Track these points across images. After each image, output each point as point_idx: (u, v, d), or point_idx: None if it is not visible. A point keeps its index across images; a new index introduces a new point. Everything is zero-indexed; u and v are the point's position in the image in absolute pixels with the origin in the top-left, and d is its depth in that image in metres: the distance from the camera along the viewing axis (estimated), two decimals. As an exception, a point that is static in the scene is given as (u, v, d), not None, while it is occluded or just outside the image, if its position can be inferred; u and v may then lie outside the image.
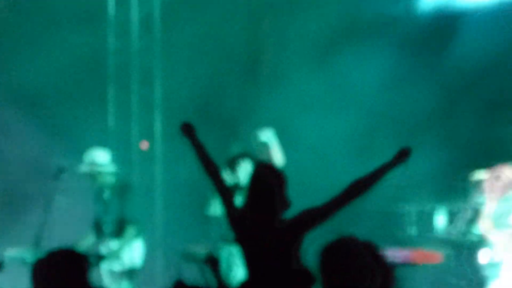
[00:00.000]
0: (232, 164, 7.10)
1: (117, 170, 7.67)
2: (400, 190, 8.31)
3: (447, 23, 9.14)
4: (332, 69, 9.05)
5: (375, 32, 9.08)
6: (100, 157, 7.57)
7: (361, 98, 9.03)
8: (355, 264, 3.39)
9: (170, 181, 9.93)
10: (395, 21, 9.19)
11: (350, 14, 9.21)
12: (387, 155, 4.62)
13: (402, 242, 7.72)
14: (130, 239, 7.47)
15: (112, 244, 7.50)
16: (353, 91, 9.06)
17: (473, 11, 9.14)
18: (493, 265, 7.06)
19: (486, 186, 7.15)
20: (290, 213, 4.57)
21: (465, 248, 7.74)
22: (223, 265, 6.88)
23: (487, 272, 7.16)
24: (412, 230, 8.63)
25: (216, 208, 6.85)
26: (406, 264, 6.51)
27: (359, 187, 4.52)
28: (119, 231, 7.47)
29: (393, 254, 6.30)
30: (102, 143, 8.09)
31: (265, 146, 6.80)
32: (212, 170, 4.73)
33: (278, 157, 6.77)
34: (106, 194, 7.60)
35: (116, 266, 7.43)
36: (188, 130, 4.83)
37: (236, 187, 6.78)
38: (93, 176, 7.55)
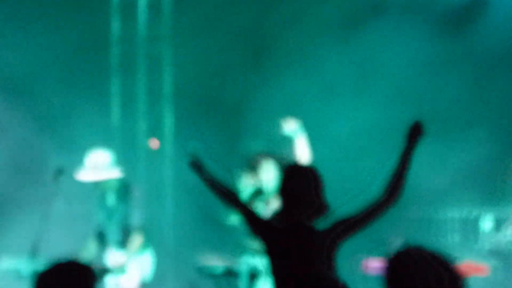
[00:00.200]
0: (252, 165, 6.94)
1: (122, 172, 7.52)
2: (441, 194, 8.25)
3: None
4: (356, 51, 8.99)
5: (404, 8, 8.98)
6: (103, 159, 7.41)
7: (390, 83, 8.91)
8: (425, 275, 3.38)
9: (181, 184, 9.75)
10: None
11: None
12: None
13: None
14: (137, 250, 7.38)
15: (118, 255, 7.40)
16: (380, 75, 8.99)
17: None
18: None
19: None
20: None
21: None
22: (243, 280, 6.78)
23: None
24: (455, 239, 8.44)
25: (235, 215, 6.64)
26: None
27: (392, 188, 4.51)
28: (125, 241, 7.38)
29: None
30: (105, 142, 7.91)
31: (290, 140, 6.54)
32: (229, 199, 4.84)
33: (306, 154, 6.47)
34: (110, 199, 7.51)
35: (122, 280, 7.33)
36: (196, 167, 4.96)
37: (258, 191, 6.77)
38: (95, 184, 7.47)
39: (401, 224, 7.22)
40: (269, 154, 7.00)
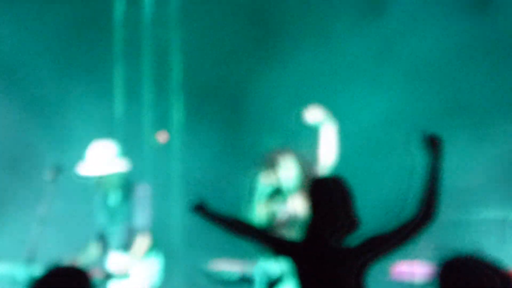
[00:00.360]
0: (269, 162, 6.81)
1: (129, 165, 7.50)
2: (474, 195, 8.28)
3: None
4: (376, 32, 8.91)
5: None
6: (108, 150, 7.34)
7: (415, 68, 8.83)
8: (479, 282, 3.50)
9: (190, 181, 9.74)
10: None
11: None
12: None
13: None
14: (143, 253, 7.32)
15: (121, 260, 7.35)
16: (404, 60, 8.85)
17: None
18: None
19: None
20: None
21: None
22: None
23: None
24: (491, 242, 8.24)
25: (250, 216, 6.72)
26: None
27: (427, 207, 4.58)
28: (128, 244, 7.34)
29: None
30: (107, 136, 7.80)
31: (313, 133, 6.47)
32: (243, 231, 4.91)
33: (333, 148, 6.37)
34: (113, 198, 7.47)
35: (126, 286, 7.26)
36: (200, 209, 5.04)
37: (277, 190, 6.74)
38: (97, 180, 7.39)
39: (433, 226, 6.98)
40: (288, 149, 6.91)
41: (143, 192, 7.39)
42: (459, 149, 6.96)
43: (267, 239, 4.83)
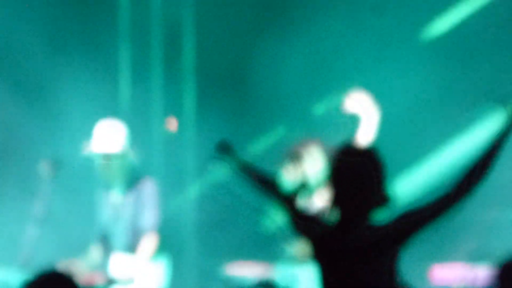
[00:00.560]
0: (293, 155, 6.77)
1: (134, 158, 7.43)
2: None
3: None
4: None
5: None
6: (117, 130, 7.30)
7: (447, 43, 8.72)
8: None
9: (204, 173, 9.69)
10: None
11: None
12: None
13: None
14: (149, 256, 7.25)
15: (125, 263, 7.31)
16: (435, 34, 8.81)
17: None
18: None
19: None
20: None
21: None
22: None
23: None
24: None
25: (272, 216, 6.91)
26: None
27: (475, 173, 4.33)
28: (134, 245, 7.28)
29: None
30: None
31: (351, 122, 6.25)
32: (268, 188, 4.82)
33: (370, 140, 6.17)
34: (117, 193, 7.38)
35: None
36: (225, 150, 4.95)
37: (302, 186, 6.68)
38: (103, 163, 7.25)
39: (473, 225, 7.13)
40: (314, 140, 6.87)
41: (150, 187, 7.37)
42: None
43: (291, 207, 4.72)
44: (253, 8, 9.55)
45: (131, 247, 7.27)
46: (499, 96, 4.73)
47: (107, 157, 7.26)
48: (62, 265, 6.53)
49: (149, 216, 7.27)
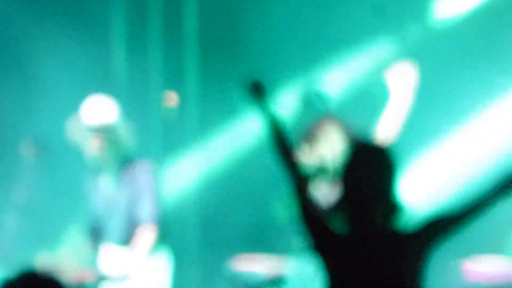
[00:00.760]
0: (310, 136, 6.60)
1: (130, 139, 7.17)
2: None
3: None
4: None
5: None
6: (108, 108, 7.03)
7: None
8: None
9: (210, 159, 9.51)
10: None
11: None
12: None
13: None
14: (147, 250, 6.98)
15: (119, 258, 7.04)
16: None
17: None
18: None
19: None
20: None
21: None
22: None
23: None
24: None
25: (282, 208, 6.67)
26: None
27: None
28: (129, 238, 6.99)
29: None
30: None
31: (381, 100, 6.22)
32: (290, 163, 4.68)
33: (398, 124, 6.18)
34: (109, 178, 7.10)
35: None
36: (258, 90, 4.71)
37: (320, 169, 6.57)
38: (92, 140, 6.99)
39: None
40: (334, 119, 6.70)
41: (147, 172, 7.08)
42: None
43: (306, 200, 4.62)
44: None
45: (126, 241, 6.99)
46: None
47: (97, 131, 6.98)
48: (49, 261, 6.47)
49: (146, 205, 6.97)
